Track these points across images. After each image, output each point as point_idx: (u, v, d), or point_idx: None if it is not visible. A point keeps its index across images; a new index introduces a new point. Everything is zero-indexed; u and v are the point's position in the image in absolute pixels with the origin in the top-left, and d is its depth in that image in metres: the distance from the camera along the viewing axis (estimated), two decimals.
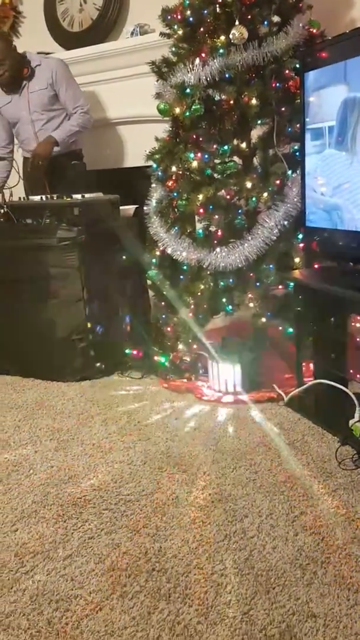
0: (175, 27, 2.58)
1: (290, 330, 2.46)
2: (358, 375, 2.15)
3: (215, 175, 2.57)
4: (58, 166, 3.37)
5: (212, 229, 2.55)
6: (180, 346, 2.66)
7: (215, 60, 2.39)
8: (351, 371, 2.17)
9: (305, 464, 1.89)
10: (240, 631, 1.24)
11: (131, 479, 1.88)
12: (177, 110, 2.51)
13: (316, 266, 2.40)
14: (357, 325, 2.25)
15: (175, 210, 2.66)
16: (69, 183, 3.33)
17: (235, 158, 2.62)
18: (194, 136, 2.55)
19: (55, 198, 2.90)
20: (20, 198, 3.14)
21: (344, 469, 1.84)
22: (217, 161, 2.56)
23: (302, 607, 1.29)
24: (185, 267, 2.63)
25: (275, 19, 2.39)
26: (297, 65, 2.33)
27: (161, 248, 2.67)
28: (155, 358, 2.74)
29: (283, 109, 2.44)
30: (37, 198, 2.96)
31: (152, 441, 2.13)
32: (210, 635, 1.23)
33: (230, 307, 2.58)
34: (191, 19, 2.51)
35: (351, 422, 1.98)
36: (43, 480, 1.91)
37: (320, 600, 1.31)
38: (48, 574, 1.45)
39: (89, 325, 2.77)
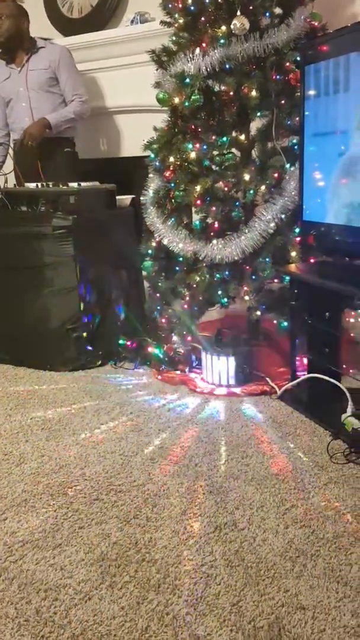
0: (176, 15, 2.56)
1: (285, 324, 2.47)
2: (351, 370, 2.16)
3: (213, 166, 2.56)
4: (48, 152, 3.35)
5: (209, 220, 2.53)
6: (175, 338, 2.65)
7: (215, 51, 2.37)
8: (344, 366, 2.17)
9: (297, 457, 1.89)
10: (229, 622, 1.24)
11: (122, 469, 1.87)
12: (177, 100, 2.48)
13: (312, 260, 2.39)
14: (351, 320, 2.26)
15: (172, 201, 2.64)
16: (59, 170, 3.31)
17: (234, 150, 2.61)
18: (193, 127, 2.53)
19: (51, 186, 2.88)
20: (14, 185, 3.12)
21: (336, 463, 1.84)
22: (215, 152, 2.55)
23: (292, 599, 1.29)
24: (181, 259, 2.62)
25: (277, 10, 2.37)
26: (298, 58, 2.32)
27: (157, 239, 2.66)
28: (149, 349, 2.73)
29: (283, 101, 2.43)
30: (32, 185, 2.93)
31: (144, 432, 2.13)
32: (199, 625, 1.23)
33: (225, 299, 2.57)
34: (192, 7, 2.48)
35: (343, 416, 1.98)
36: (33, 469, 1.90)
37: (310, 592, 1.31)
38: (37, 563, 1.45)
39: (82, 314, 2.75)
